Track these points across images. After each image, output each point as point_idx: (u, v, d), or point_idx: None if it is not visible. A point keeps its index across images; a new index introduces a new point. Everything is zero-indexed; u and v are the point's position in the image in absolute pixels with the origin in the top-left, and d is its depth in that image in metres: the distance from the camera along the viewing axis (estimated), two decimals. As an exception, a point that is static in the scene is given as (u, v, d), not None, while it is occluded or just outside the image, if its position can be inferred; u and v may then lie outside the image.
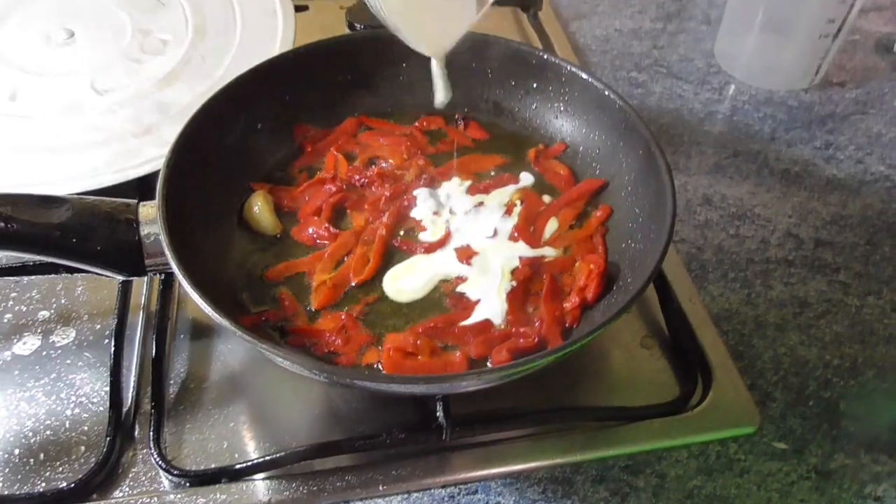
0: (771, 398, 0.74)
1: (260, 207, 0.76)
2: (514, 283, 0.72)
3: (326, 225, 0.76)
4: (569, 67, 0.82)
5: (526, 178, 0.83)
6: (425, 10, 0.70)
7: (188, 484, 0.63)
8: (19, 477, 0.65)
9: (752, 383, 0.74)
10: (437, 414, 0.64)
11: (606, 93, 0.78)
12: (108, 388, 0.69)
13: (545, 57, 0.83)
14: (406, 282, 0.73)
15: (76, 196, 0.66)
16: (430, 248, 0.76)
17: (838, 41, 1.04)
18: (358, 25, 1.06)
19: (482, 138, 0.87)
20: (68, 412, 0.69)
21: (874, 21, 1.26)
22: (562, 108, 0.85)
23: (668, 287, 0.78)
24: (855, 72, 1.15)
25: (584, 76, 0.80)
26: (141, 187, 0.78)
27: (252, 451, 0.67)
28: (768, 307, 0.82)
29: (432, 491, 0.67)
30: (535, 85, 0.85)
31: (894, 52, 1.17)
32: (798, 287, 0.84)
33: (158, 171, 0.67)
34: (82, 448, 0.67)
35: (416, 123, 0.88)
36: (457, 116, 0.88)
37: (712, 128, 1.05)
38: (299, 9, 1.03)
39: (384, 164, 0.83)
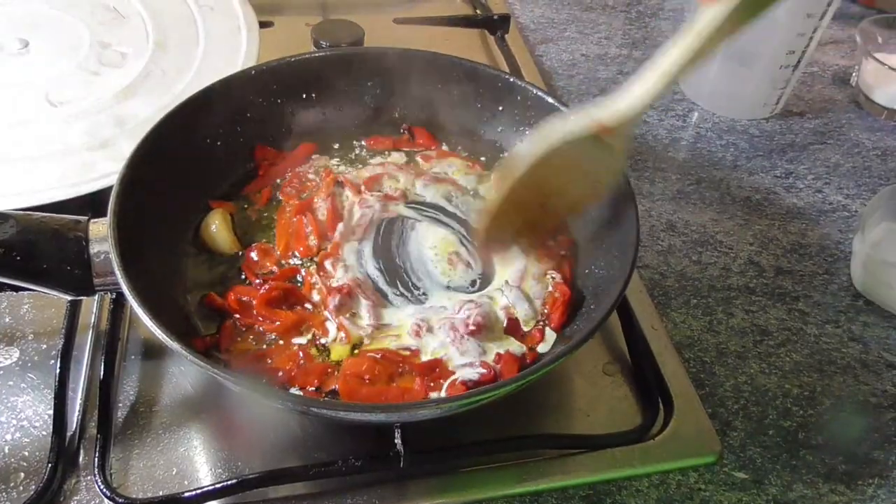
0: (731, 427, 0.74)
1: (217, 226, 0.74)
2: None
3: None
4: (535, 91, 0.81)
5: None
6: None
7: (134, 513, 0.61)
8: (-48, 506, 0.62)
9: (713, 412, 0.74)
10: (395, 441, 0.63)
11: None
12: (51, 412, 0.66)
13: (511, 80, 0.83)
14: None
15: (21, 212, 0.63)
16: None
17: (798, 72, 1.06)
18: (323, 43, 1.05)
19: (433, 146, 0.88)
20: (8, 437, 0.66)
21: (831, 54, 1.29)
22: (527, 132, 0.84)
23: (631, 313, 0.77)
24: (814, 103, 1.17)
25: (550, 101, 0.80)
26: (94, 203, 0.75)
27: (203, 477, 0.65)
28: (730, 335, 0.82)
29: (389, 520, 0.65)
30: (500, 108, 0.85)
31: (851, 85, 1.20)
32: (759, 315, 0.84)
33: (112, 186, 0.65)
34: (22, 475, 0.64)
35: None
36: (402, 128, 0.88)
37: (676, 154, 1.05)
38: (264, 25, 1.02)
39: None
